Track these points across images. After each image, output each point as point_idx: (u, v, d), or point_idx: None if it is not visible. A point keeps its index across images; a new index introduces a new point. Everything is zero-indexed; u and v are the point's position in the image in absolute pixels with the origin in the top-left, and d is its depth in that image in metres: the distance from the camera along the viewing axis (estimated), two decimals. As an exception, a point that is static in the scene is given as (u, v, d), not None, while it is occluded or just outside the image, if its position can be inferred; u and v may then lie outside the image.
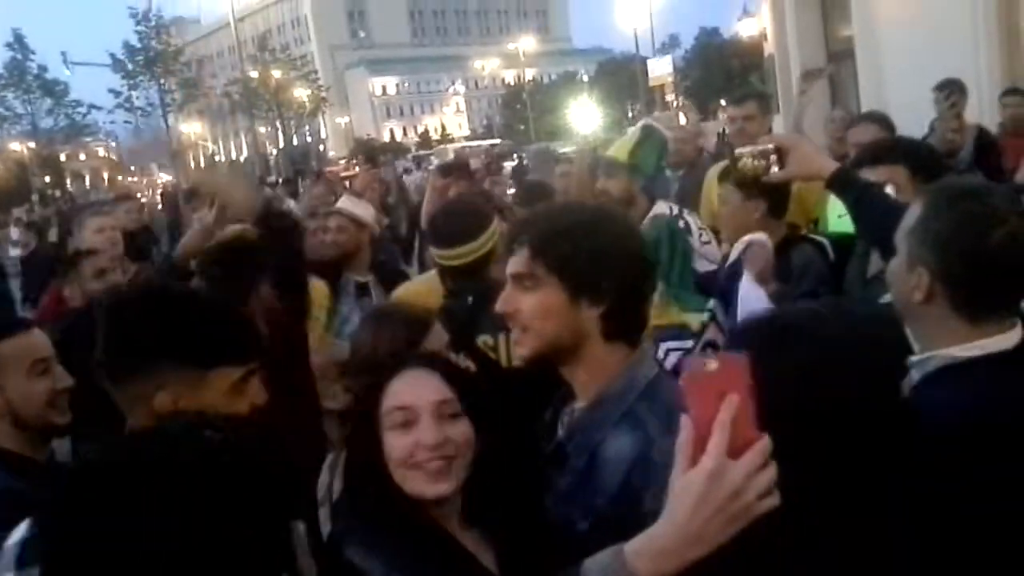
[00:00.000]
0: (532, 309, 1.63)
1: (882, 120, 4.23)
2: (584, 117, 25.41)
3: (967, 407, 1.46)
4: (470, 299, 2.73)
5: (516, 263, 1.65)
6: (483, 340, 2.62)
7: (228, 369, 1.68)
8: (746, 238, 2.69)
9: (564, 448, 1.66)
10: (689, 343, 2.59)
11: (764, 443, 1.07)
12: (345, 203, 4.24)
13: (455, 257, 2.84)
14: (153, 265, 5.49)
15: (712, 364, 1.07)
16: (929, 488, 1.29)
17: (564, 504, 1.60)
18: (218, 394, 1.66)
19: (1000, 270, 1.52)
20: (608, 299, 1.60)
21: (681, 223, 3.51)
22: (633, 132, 3.73)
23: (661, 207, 3.61)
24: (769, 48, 11.94)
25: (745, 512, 1.08)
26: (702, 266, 3.35)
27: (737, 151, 2.37)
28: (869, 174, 2.51)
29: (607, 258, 1.61)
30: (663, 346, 2.59)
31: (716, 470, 1.06)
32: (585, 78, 77.68)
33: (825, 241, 3.12)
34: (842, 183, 2.30)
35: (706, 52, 59.52)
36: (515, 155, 24.85)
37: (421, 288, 3.19)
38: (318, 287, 3.55)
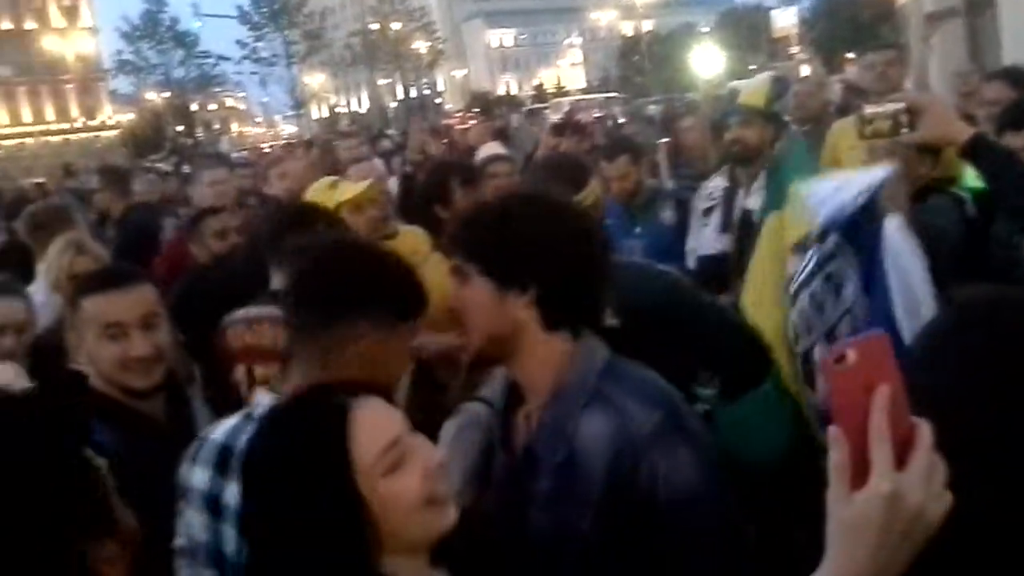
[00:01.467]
0: (466, 305, 1.59)
1: (1017, 77, 3.93)
2: (705, 65, 24.48)
3: None
4: None
5: (450, 257, 1.64)
6: None
7: (409, 324, 1.68)
8: (871, 175, 2.42)
9: (533, 451, 1.57)
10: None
11: (926, 436, 0.90)
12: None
13: None
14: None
15: (851, 354, 0.90)
16: None
17: (553, 507, 1.51)
18: (402, 345, 1.68)
19: None
20: (536, 287, 1.54)
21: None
22: (762, 80, 3.66)
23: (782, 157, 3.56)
24: (903, -1, 11.43)
25: (928, 529, 0.90)
26: None
27: (867, 110, 2.20)
28: (1014, 140, 2.29)
29: (528, 244, 1.53)
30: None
31: (894, 492, 0.87)
32: (705, 29, 75.43)
33: (966, 195, 2.84)
34: (978, 151, 2.10)
35: (834, 2, 56.82)
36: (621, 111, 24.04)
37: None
38: None
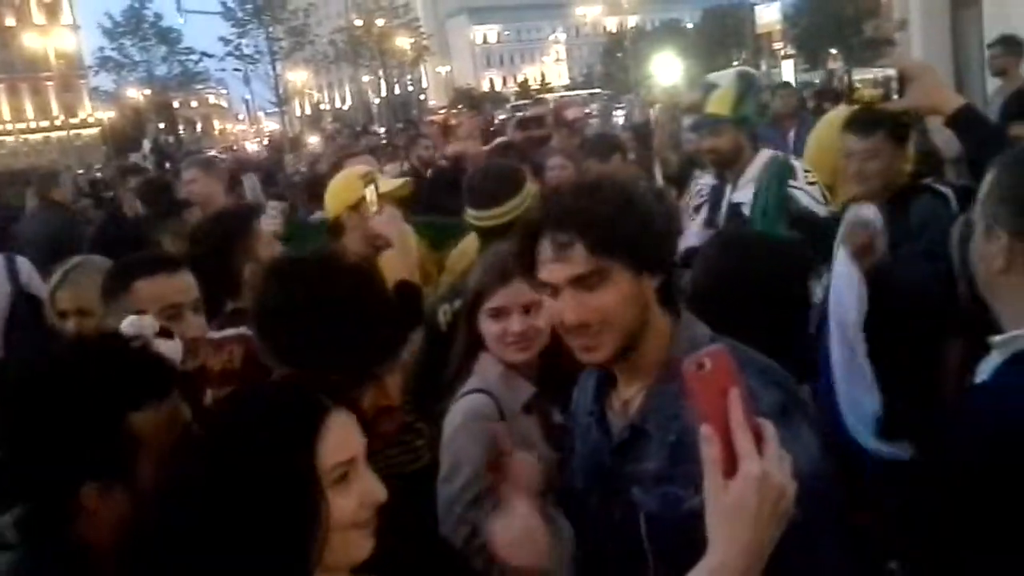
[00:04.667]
0: (611, 306, 1.50)
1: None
2: (668, 68, 24.37)
3: None
4: None
5: (573, 264, 1.49)
6: None
7: (384, 366, 1.63)
8: (851, 214, 2.61)
9: (642, 430, 1.55)
10: None
11: (771, 429, 1.05)
12: None
13: (488, 218, 2.93)
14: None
15: (707, 363, 1.04)
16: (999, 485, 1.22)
17: (662, 486, 1.51)
18: (376, 385, 1.61)
19: None
20: (662, 267, 1.57)
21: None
22: (728, 82, 3.58)
23: (765, 154, 3.58)
24: (887, -7, 11.44)
25: (789, 507, 1.05)
26: (811, 205, 3.33)
27: (857, 75, 2.21)
28: (1021, 129, 2.30)
29: (654, 224, 1.55)
30: None
31: (762, 474, 1.01)
32: (690, 25, 75.58)
33: (948, 191, 2.94)
34: (965, 122, 2.08)
35: (817, -2, 57.06)
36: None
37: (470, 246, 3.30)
38: None
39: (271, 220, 6.05)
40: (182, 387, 1.62)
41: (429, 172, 6.50)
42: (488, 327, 2.04)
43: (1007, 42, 6.57)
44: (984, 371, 1.42)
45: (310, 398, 1.26)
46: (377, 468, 1.30)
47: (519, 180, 3.06)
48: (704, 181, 3.90)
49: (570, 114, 6.45)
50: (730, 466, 1.03)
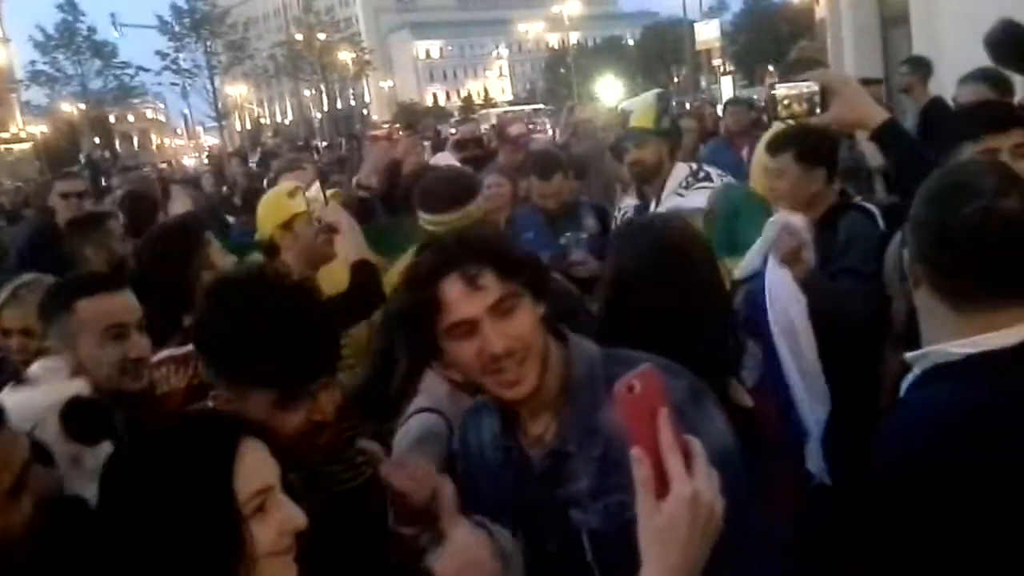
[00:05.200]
0: (528, 330, 1.51)
1: (994, 78, 3.85)
2: (609, 87, 24.80)
3: (956, 408, 1.31)
4: None
5: (488, 292, 1.48)
6: None
7: (314, 385, 1.57)
8: (780, 220, 2.68)
9: (564, 453, 1.54)
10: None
11: (699, 447, 1.06)
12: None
13: (444, 223, 2.84)
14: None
15: (636, 385, 1.04)
16: (911, 492, 1.26)
17: (600, 501, 1.51)
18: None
19: (975, 249, 1.32)
20: (545, 295, 1.58)
21: (702, 174, 3.63)
22: (648, 100, 3.81)
23: (681, 168, 3.69)
24: (820, 12, 11.71)
25: (718, 524, 1.05)
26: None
27: (780, 90, 2.15)
28: (998, 141, 2.23)
29: (535, 256, 1.60)
30: None
31: (693, 494, 1.02)
32: (630, 42, 76.65)
33: (874, 209, 3.02)
34: (889, 137, 2.08)
35: (755, 16, 58.34)
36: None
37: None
38: None
39: (180, 204, 5.96)
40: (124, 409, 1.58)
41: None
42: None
43: (914, 62, 6.85)
44: (903, 387, 1.45)
45: (223, 428, 1.27)
46: (320, 484, 1.32)
47: (474, 185, 3.05)
48: (627, 203, 3.97)
49: (513, 130, 6.40)
50: (661, 486, 1.03)
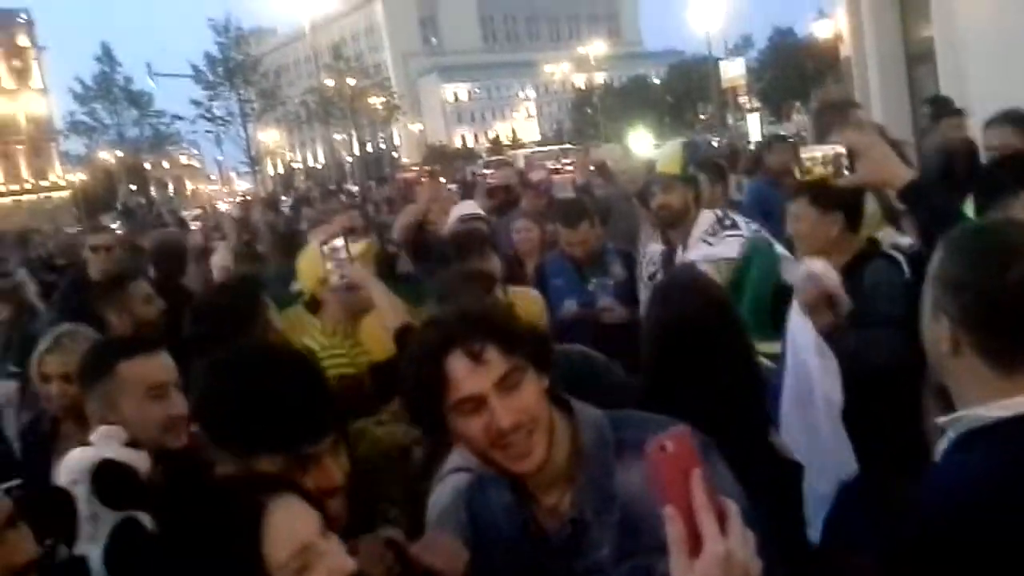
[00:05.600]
0: (534, 402, 1.50)
1: (1019, 121, 3.86)
2: (640, 137, 24.83)
3: (991, 473, 1.30)
4: None
5: (493, 367, 1.48)
6: None
7: (320, 446, 1.57)
8: (804, 270, 2.67)
9: (582, 522, 1.53)
10: None
11: (734, 508, 1.06)
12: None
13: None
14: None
15: (669, 445, 1.05)
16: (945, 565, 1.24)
17: (624, 563, 1.50)
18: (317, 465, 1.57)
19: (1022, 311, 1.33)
20: (549, 366, 1.57)
21: (728, 221, 3.67)
22: (674, 147, 3.97)
23: (707, 215, 3.73)
24: (846, 50, 11.73)
25: None
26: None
27: (806, 153, 2.25)
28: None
29: (538, 328, 1.63)
30: None
31: (726, 553, 1.01)
32: (656, 80, 77.01)
33: (900, 257, 2.98)
34: (915, 196, 2.11)
35: (780, 53, 58.47)
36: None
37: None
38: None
39: (220, 257, 6.01)
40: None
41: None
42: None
43: (935, 101, 6.87)
44: (938, 451, 1.44)
45: (246, 500, 1.25)
46: None
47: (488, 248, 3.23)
48: (653, 248, 4.00)
49: (535, 176, 6.50)
50: (695, 546, 1.03)
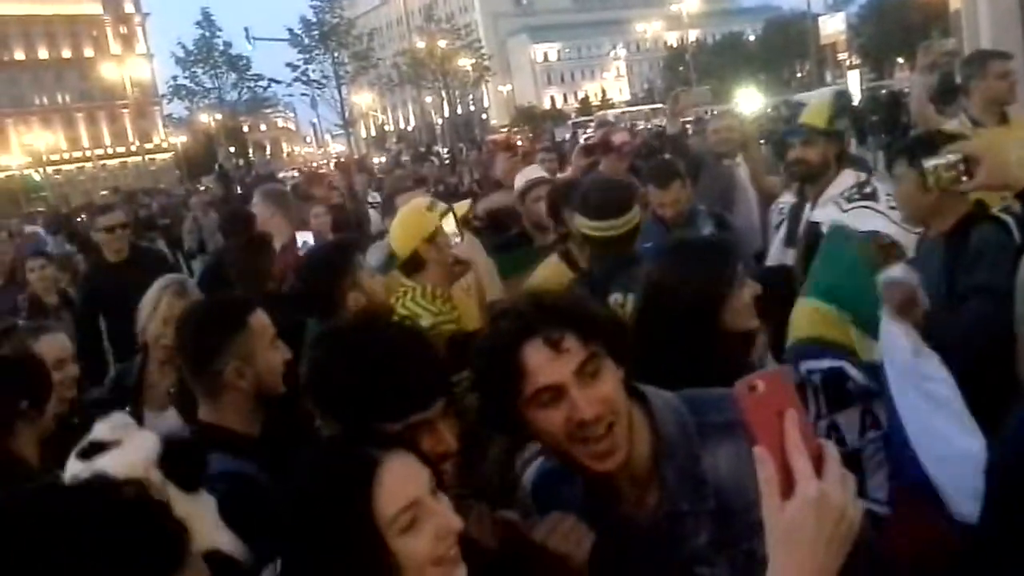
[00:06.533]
0: (614, 392, 1.44)
1: None
2: (747, 96, 23.85)
3: None
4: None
5: (572, 355, 1.41)
6: (614, 299, 2.87)
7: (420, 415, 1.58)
8: (884, 278, 2.48)
9: (676, 512, 1.49)
10: (825, 363, 2.42)
11: (833, 450, 1.02)
12: None
13: (608, 229, 2.99)
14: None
15: (760, 385, 1.02)
16: None
17: (726, 550, 1.47)
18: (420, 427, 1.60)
19: None
20: (626, 356, 1.51)
21: (868, 188, 3.42)
22: (823, 97, 3.72)
23: (848, 176, 3.59)
24: (955, 2, 11.20)
25: (852, 528, 1.00)
26: (891, 229, 3.18)
27: (928, 163, 2.39)
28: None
29: (616, 316, 1.58)
30: (803, 365, 2.39)
31: (819, 495, 0.98)
32: (751, 37, 74.95)
33: (1010, 220, 2.80)
34: None
35: (882, 7, 56.06)
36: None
37: (550, 272, 3.38)
38: None
39: (317, 219, 6.17)
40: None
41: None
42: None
43: None
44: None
45: (357, 457, 1.28)
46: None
47: (634, 193, 3.17)
48: (784, 199, 3.92)
49: (617, 139, 6.38)
50: (787, 487, 1.00)
